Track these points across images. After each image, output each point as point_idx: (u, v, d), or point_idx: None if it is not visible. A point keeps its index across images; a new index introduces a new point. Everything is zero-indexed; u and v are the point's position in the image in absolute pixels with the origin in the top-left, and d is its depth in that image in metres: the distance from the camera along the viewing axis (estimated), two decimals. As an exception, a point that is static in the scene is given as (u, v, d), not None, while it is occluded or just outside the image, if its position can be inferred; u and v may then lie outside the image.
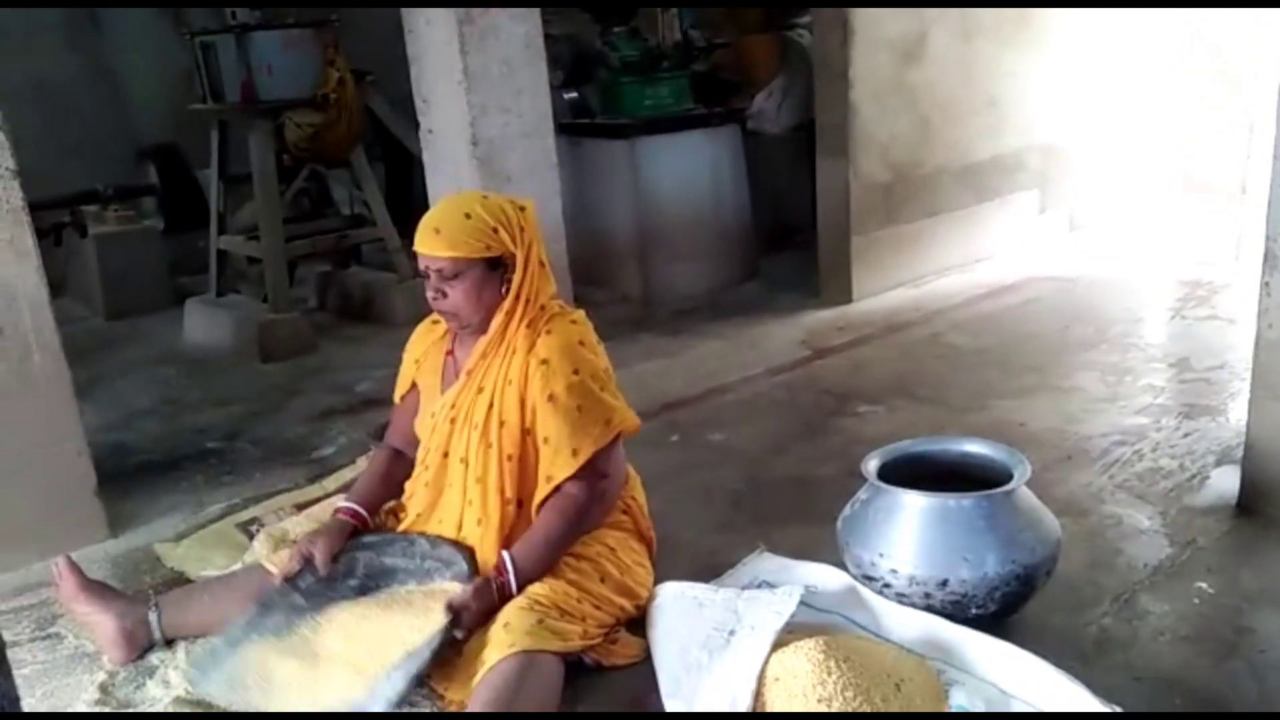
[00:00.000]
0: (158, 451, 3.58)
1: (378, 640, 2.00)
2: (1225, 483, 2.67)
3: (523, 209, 2.17)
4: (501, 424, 2.13)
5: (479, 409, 2.15)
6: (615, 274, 4.96)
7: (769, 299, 4.86)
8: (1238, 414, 3.03)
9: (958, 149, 4.95)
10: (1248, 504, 2.54)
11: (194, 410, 4.00)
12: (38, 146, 5.84)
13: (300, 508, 2.84)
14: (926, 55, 4.68)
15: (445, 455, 2.20)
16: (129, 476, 3.32)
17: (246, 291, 5.14)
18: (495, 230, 2.09)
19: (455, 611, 1.94)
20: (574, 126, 4.99)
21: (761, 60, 5.77)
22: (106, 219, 5.61)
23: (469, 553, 2.13)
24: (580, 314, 2.25)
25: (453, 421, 2.18)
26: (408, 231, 4.90)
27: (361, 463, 3.13)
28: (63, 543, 2.68)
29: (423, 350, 2.34)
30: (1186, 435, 3.02)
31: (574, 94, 5.36)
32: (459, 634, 1.94)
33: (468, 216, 2.08)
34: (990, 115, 5.05)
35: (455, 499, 2.19)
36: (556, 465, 2.11)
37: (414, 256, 2.17)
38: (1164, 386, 3.43)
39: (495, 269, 2.12)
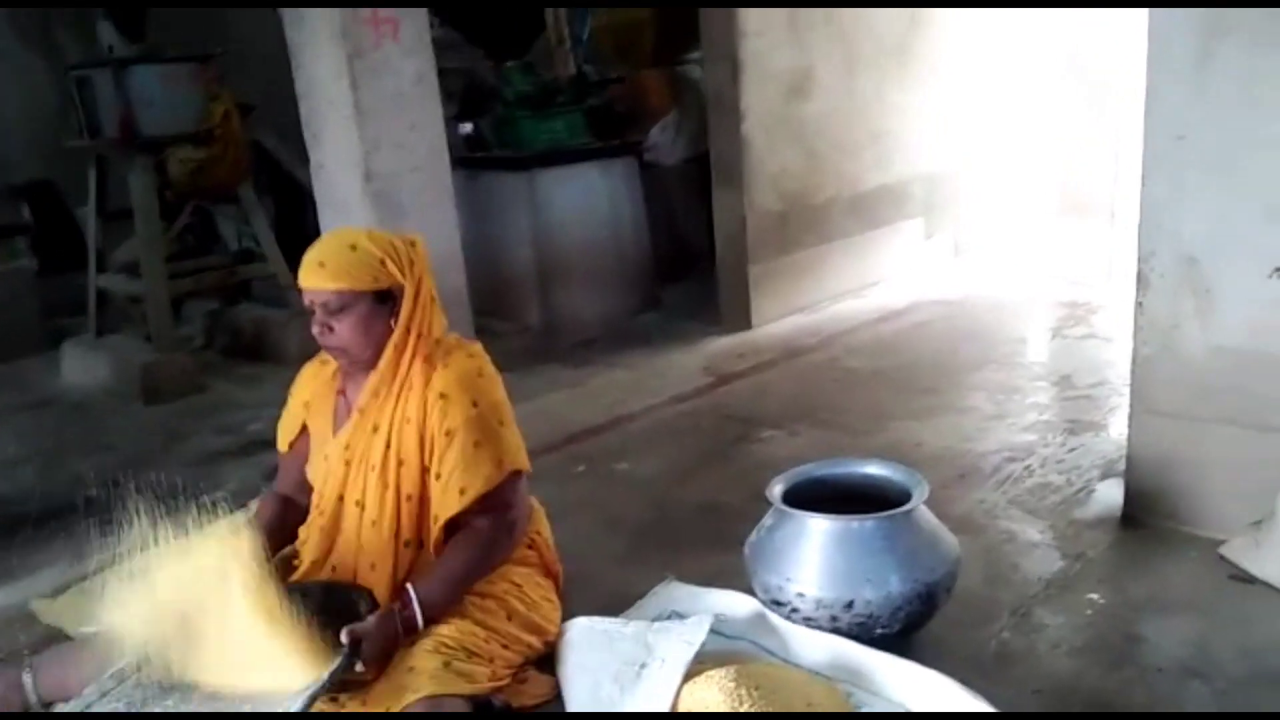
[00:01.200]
0: (33, 502, 3.38)
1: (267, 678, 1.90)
2: (1110, 495, 2.78)
3: (413, 244, 2.12)
4: (400, 463, 2.08)
5: (375, 450, 2.09)
6: (516, 305, 4.93)
7: (670, 327, 4.90)
8: (1118, 428, 3.16)
9: (847, 179, 5.10)
10: (1132, 515, 2.65)
11: (73, 457, 3.80)
12: (-102, 183, 5.55)
13: (190, 557, 2.71)
14: (814, 89, 4.81)
15: (340, 499, 2.13)
16: (4, 530, 3.13)
17: (128, 332, 4.93)
18: (382, 262, 2.03)
19: (355, 641, 1.85)
20: (471, 160, 4.96)
21: (655, 94, 5.86)
22: (-25, 258, 5.33)
23: (367, 594, 2.06)
24: (477, 346, 2.21)
25: (348, 464, 2.11)
26: (299, 266, 4.76)
27: (254, 506, 3.01)
28: (-72, 603, 2.52)
29: (311, 392, 2.25)
30: (1072, 450, 3.14)
31: (469, 127, 5.34)
32: (359, 667, 1.86)
33: (353, 248, 2.03)
34: (876, 147, 5.21)
35: (350, 543, 2.12)
36: (444, 504, 2.05)
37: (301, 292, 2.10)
38: (1049, 404, 3.57)
39: (384, 302, 2.06)
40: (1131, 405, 2.64)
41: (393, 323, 2.07)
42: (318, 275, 2.01)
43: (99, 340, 4.86)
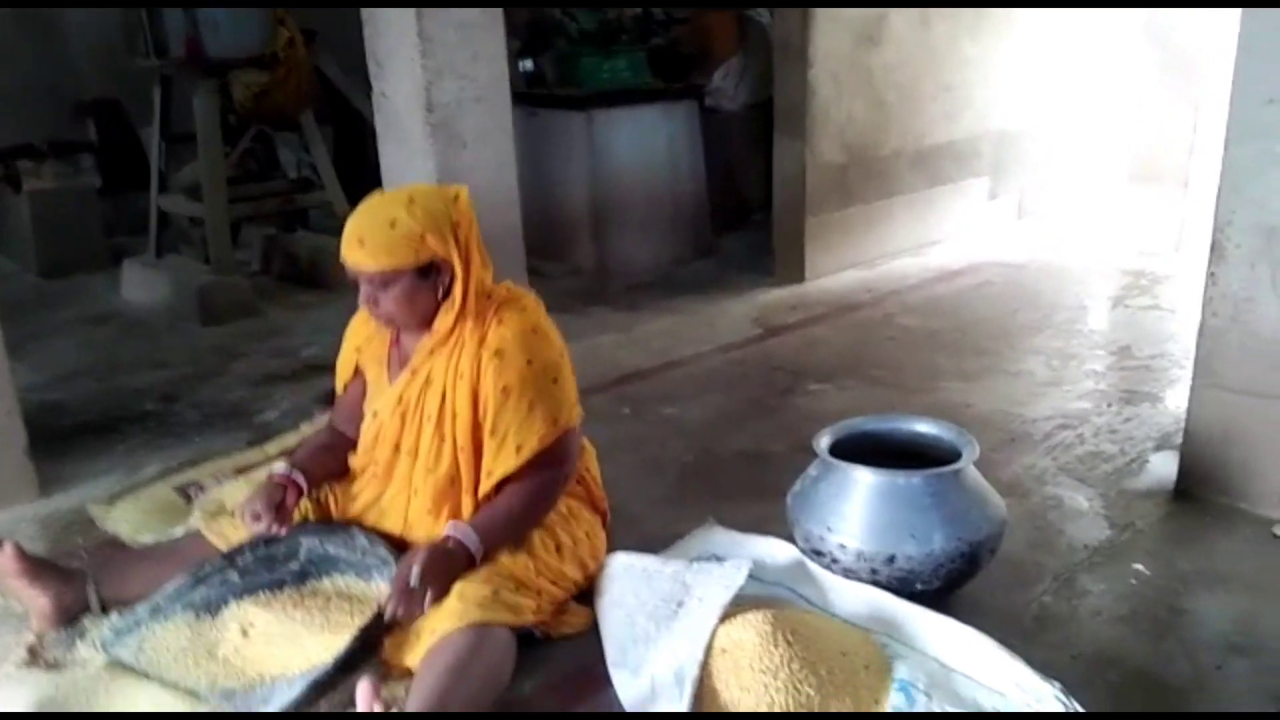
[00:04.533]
0: (92, 412, 3.48)
1: (285, 648, 1.95)
2: (1163, 467, 2.73)
3: (456, 198, 2.08)
4: (454, 416, 2.08)
5: (430, 402, 2.09)
6: (569, 247, 4.92)
7: (723, 276, 4.86)
8: (1176, 401, 3.09)
9: (913, 132, 4.98)
10: (1185, 488, 2.60)
11: (131, 372, 3.89)
12: (-31, 96, 5.65)
13: (240, 471, 2.78)
14: (886, 38, 4.69)
15: (396, 449, 2.14)
16: (62, 437, 3.21)
17: (188, 253, 5.01)
18: (423, 237, 1.99)
19: (410, 571, 1.86)
20: (530, 96, 4.92)
21: (720, 37, 5.74)
22: (42, 174, 5.42)
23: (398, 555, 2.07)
24: (531, 298, 2.18)
25: (402, 415, 2.12)
26: (357, 197, 4.81)
27: (305, 428, 3.06)
28: (-9, 502, 2.61)
29: (364, 337, 2.25)
30: (1127, 420, 3.08)
31: (530, 64, 5.29)
32: (389, 614, 1.86)
33: (393, 225, 1.97)
34: (946, 100, 5.08)
35: (402, 490, 2.14)
36: (500, 461, 2.06)
37: None
38: (1105, 373, 3.49)
39: (428, 275, 2.03)
40: (1194, 377, 2.57)
41: (439, 294, 2.06)
42: (358, 253, 1.99)
43: (159, 260, 4.94)
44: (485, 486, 2.08)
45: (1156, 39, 4.98)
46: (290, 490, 2.10)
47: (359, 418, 2.24)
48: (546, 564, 2.05)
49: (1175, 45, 4.90)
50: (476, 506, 2.09)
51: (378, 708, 1.67)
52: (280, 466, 2.16)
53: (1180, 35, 4.86)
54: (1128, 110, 5.50)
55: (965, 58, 5.07)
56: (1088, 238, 5.25)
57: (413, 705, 1.73)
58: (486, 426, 2.06)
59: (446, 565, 1.91)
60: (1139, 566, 2.30)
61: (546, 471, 2.09)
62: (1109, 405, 3.20)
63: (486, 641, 1.82)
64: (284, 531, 2.07)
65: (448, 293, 2.07)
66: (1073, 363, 3.58)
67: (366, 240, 1.98)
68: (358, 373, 2.28)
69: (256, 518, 2.03)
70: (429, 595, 1.85)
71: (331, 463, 2.26)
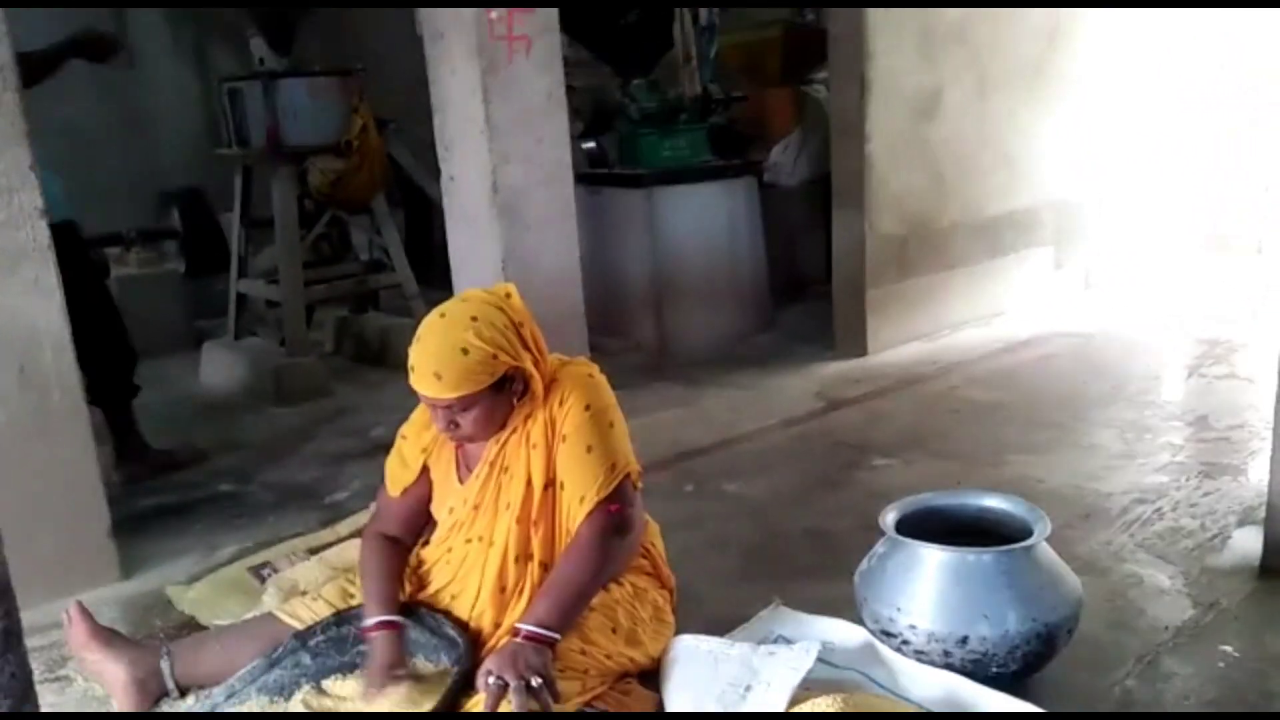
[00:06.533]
0: (171, 494, 3.58)
1: None
2: (1247, 543, 2.63)
3: (508, 296, 2.12)
4: (544, 488, 2.11)
5: (512, 491, 2.11)
6: (630, 323, 4.97)
7: (784, 350, 4.86)
8: (1258, 474, 2.99)
9: (973, 204, 4.98)
10: (1271, 565, 2.50)
11: (209, 453, 4.00)
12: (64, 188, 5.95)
13: (313, 551, 2.82)
14: (942, 111, 4.72)
15: (468, 542, 2.17)
16: (142, 518, 3.31)
17: (264, 335, 5.17)
18: (495, 356, 2.01)
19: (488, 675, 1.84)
20: (592, 176, 5.04)
21: (779, 113, 5.85)
22: (129, 261, 5.68)
23: (467, 638, 2.07)
24: (582, 358, 2.25)
25: (477, 508, 2.15)
26: (426, 278, 4.92)
27: (374, 507, 3.11)
28: (75, 583, 2.68)
29: (430, 439, 2.23)
30: (1207, 494, 2.99)
31: (593, 144, 5.42)
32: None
33: (465, 352, 1.98)
34: (1005, 171, 5.08)
35: (474, 575, 2.15)
36: (571, 515, 2.10)
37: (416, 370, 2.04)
38: (1183, 445, 3.40)
39: (503, 387, 2.06)
40: (1275, 448, 2.49)
41: (515, 399, 2.10)
42: (437, 387, 2.00)
43: (237, 342, 5.11)
44: (564, 542, 2.10)
45: (1223, 101, 4.94)
46: (395, 639, 2.07)
47: (417, 522, 2.26)
48: (597, 644, 2.03)
49: (1242, 108, 4.85)
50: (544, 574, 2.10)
51: None
52: (372, 617, 2.08)
53: (1247, 97, 4.82)
54: (1196, 176, 5.43)
55: (1023, 127, 5.08)
56: (1158, 307, 5.15)
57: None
58: (558, 480, 2.10)
59: (539, 659, 1.88)
60: (1227, 648, 2.22)
61: (605, 518, 2.07)
62: (1187, 479, 3.11)
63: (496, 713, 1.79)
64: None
65: (523, 393, 2.11)
66: (1147, 435, 3.50)
67: (444, 374, 1.98)
68: (422, 475, 2.25)
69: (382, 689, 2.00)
70: (534, 682, 1.81)
71: (401, 583, 2.22)
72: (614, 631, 2.08)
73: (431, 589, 2.21)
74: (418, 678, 2.06)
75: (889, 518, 2.19)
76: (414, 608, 2.18)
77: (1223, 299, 4.90)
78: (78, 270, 3.08)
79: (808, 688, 1.87)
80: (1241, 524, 2.76)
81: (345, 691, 2.04)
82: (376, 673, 2.00)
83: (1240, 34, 5.19)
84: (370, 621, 2.07)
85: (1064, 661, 2.09)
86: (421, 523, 2.29)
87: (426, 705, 1.94)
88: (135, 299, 5.54)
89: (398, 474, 2.27)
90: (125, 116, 6.60)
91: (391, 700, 1.98)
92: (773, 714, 1.80)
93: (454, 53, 3.31)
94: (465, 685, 1.93)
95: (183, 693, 2.17)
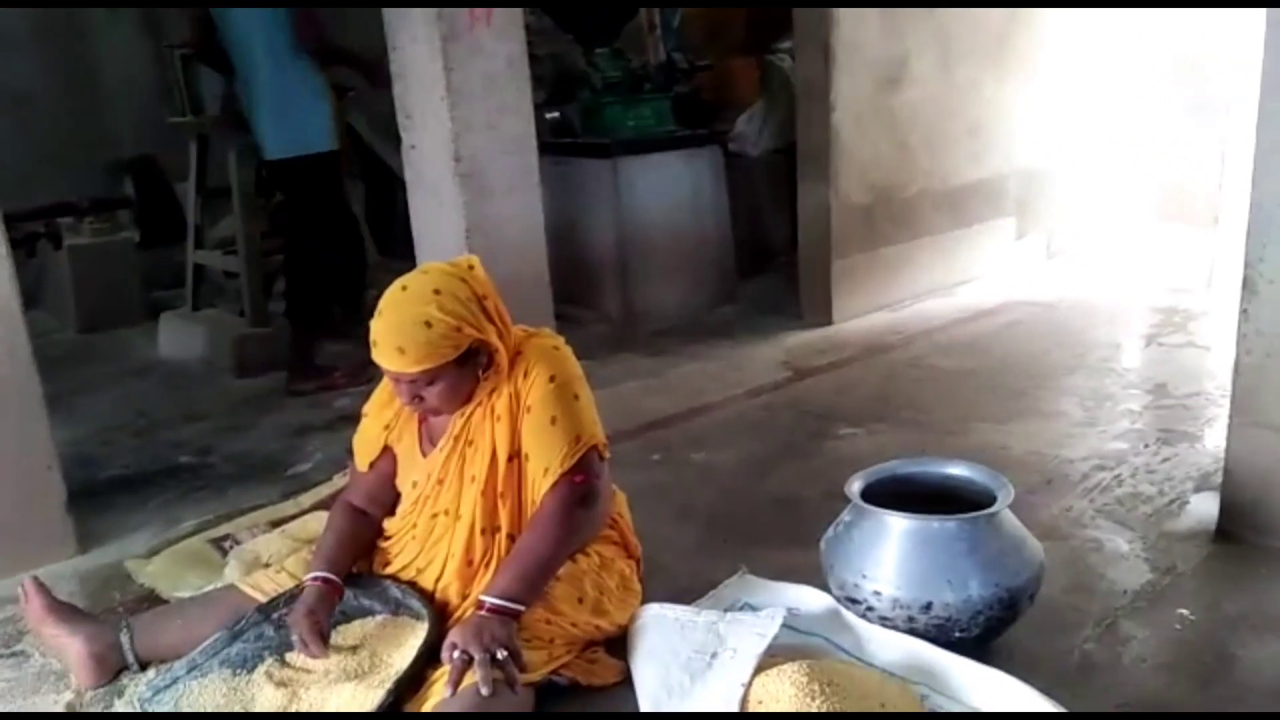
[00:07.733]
0: (130, 466, 3.52)
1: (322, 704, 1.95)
2: (1204, 508, 2.68)
3: (471, 268, 2.09)
4: (500, 464, 2.09)
5: (476, 463, 2.10)
6: (596, 293, 4.94)
7: (750, 320, 4.87)
8: (1215, 440, 3.04)
9: (938, 174, 4.99)
10: (1227, 530, 2.55)
11: (167, 425, 3.94)
12: (13, 156, 5.80)
13: (275, 524, 2.79)
14: (908, 80, 4.71)
15: (434, 516, 2.15)
16: (100, 492, 3.25)
17: (223, 306, 5.08)
18: (459, 329, 1.99)
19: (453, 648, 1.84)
20: (556, 145, 4.98)
21: (743, 83, 5.81)
22: (81, 230, 5.55)
23: (433, 609, 2.06)
24: (547, 330, 2.23)
25: (441, 482, 2.13)
26: (388, 249, 4.84)
27: (338, 479, 3.08)
28: (30, 558, 2.63)
29: (392, 415, 2.23)
30: (1165, 460, 3.03)
31: (556, 113, 5.36)
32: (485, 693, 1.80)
33: (428, 325, 1.95)
34: (970, 141, 5.09)
35: (440, 548, 2.14)
36: (536, 487, 2.09)
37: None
38: (1142, 412, 3.45)
39: (468, 360, 2.04)
40: (1231, 416, 2.53)
41: (480, 371, 2.08)
42: (400, 361, 1.97)
43: (195, 313, 5.02)
44: (529, 513, 2.09)
45: (1183, 73, 4.98)
46: (328, 594, 2.07)
47: (383, 496, 2.24)
48: (563, 613, 2.03)
49: (1202, 79, 4.89)
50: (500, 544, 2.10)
51: None
52: (313, 570, 2.10)
53: (1207, 68, 4.86)
54: (1156, 147, 5.48)
55: (988, 98, 5.09)
56: (1118, 276, 5.21)
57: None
58: (523, 451, 2.09)
59: (503, 631, 1.88)
60: (1183, 611, 2.26)
61: (569, 488, 2.07)
62: (1146, 445, 3.15)
63: (497, 701, 1.79)
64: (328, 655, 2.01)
65: (488, 366, 2.09)
66: (1108, 402, 3.54)
67: (407, 348, 1.96)
68: (385, 450, 2.25)
69: (305, 644, 1.98)
70: (499, 654, 1.81)
71: (358, 554, 2.21)
72: (580, 601, 2.07)
73: (398, 563, 2.20)
74: (341, 648, 2.05)
75: (855, 486, 2.20)
76: (380, 579, 2.16)
77: (1181, 269, 4.96)
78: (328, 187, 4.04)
79: (774, 654, 1.88)
80: (1198, 490, 2.81)
81: (308, 664, 2.02)
82: (297, 618, 1.98)
83: (1200, 10, 5.22)
84: (309, 576, 2.07)
85: (1025, 625, 2.11)
86: (389, 496, 2.26)
87: (391, 674, 1.93)
88: (89, 269, 5.45)
89: (363, 447, 2.27)
90: (74, 83, 6.43)
91: (346, 663, 1.99)
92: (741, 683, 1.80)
93: (415, 19, 3.25)
94: (431, 658, 1.92)
95: (143, 666, 2.14)
